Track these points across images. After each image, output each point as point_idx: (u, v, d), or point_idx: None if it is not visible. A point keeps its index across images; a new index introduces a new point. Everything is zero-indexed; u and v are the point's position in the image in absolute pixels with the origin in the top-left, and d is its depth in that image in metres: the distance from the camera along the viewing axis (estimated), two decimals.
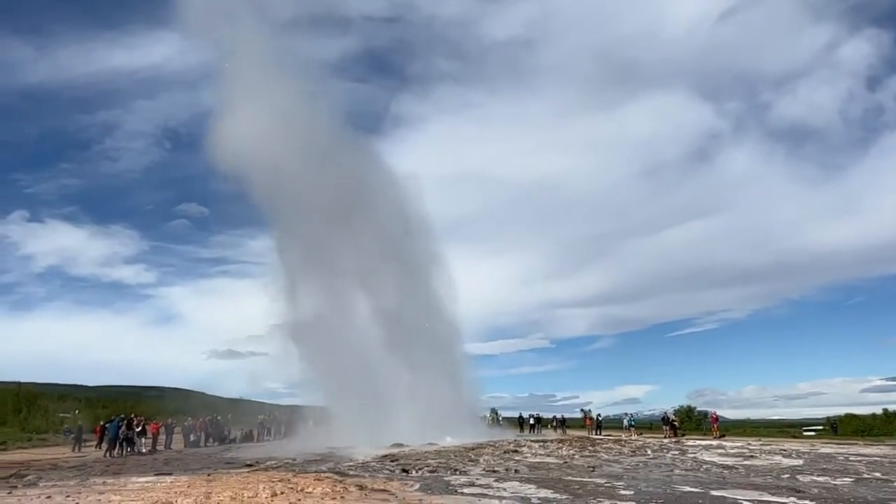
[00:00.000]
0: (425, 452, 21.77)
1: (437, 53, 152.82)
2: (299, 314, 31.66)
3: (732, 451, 23.18)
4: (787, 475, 15.80)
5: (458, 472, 16.17)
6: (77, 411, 41.49)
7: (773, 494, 12.03)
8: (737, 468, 17.74)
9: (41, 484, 13.96)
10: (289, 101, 32.69)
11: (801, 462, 19.18)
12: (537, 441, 27.89)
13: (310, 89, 34.55)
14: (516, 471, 16.87)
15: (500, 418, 44.80)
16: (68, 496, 11.31)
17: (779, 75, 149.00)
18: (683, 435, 34.09)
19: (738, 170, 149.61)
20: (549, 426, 42.51)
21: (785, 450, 23.28)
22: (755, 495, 11.89)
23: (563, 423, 42.32)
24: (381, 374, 30.90)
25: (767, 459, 20.08)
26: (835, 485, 13.91)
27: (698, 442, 28.37)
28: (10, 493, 12.15)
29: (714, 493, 12.31)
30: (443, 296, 33.93)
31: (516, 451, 23.00)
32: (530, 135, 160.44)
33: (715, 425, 34.73)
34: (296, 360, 31.44)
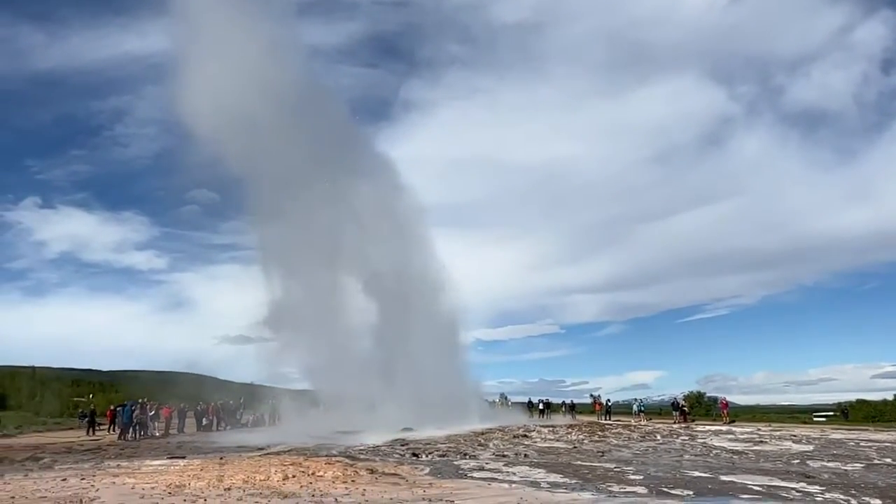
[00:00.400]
0: (435, 437, 21.90)
1: (446, 37, 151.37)
2: (278, 298, 31.34)
3: (742, 436, 23.17)
4: (798, 460, 15.79)
5: (467, 457, 16.27)
6: (91, 395, 41.97)
7: (783, 479, 12.02)
8: (747, 453, 17.75)
9: (56, 467, 14.14)
10: (259, 58, 31.92)
11: (811, 448, 19.16)
12: (547, 426, 27.97)
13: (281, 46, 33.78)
14: (526, 455, 16.96)
15: (510, 403, 45.05)
16: (83, 478, 11.46)
17: (792, 58, 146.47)
18: (693, 420, 34.07)
19: (750, 154, 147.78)
20: (559, 411, 42.57)
21: (795, 435, 23.25)
22: (765, 480, 11.90)
23: (572, 408, 42.39)
24: (375, 359, 31.02)
25: (777, 445, 20.07)
26: (845, 470, 13.89)
27: (708, 427, 28.37)
28: (26, 475, 12.31)
29: (724, 478, 12.34)
30: (437, 279, 33.78)
31: (526, 435, 23.10)
32: (540, 120, 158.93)
33: (725, 411, 34.67)
34: (293, 346, 31.35)
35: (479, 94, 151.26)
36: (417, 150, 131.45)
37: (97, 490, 9.99)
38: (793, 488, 11.03)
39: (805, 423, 34.38)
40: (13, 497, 9.35)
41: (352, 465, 12.89)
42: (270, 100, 31.41)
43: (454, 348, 34.40)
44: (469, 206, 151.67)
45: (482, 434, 23.01)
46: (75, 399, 41.91)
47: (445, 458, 15.88)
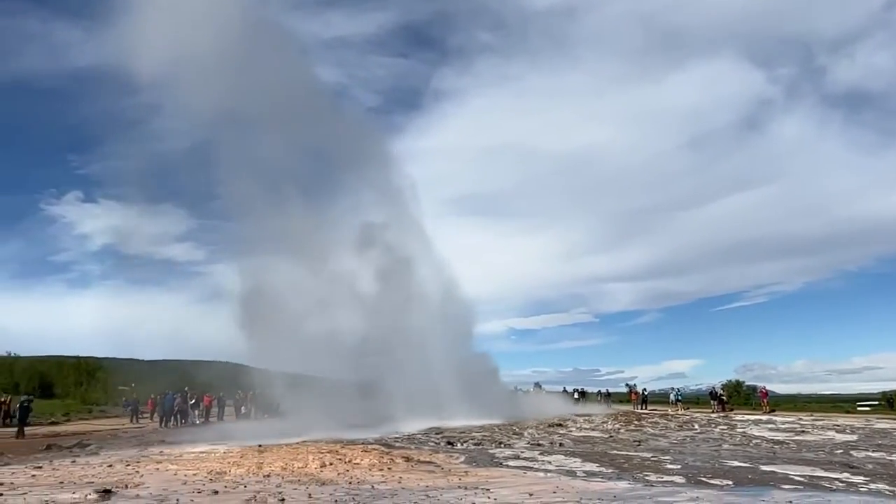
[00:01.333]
0: (469, 426, 22.00)
1: (477, 25, 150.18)
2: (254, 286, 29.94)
3: (783, 426, 22.74)
4: (841, 451, 15.44)
5: (502, 445, 16.30)
6: (133, 384, 43.03)
7: (825, 470, 11.78)
8: (788, 443, 17.42)
9: (102, 453, 14.58)
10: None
11: (855, 437, 18.72)
12: (582, 415, 27.84)
13: None
14: (561, 444, 16.92)
15: (544, 392, 45.09)
16: (128, 465, 11.79)
17: (834, 38, 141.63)
18: (732, 410, 33.57)
19: (791, 138, 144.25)
20: (594, 400, 42.37)
21: (838, 425, 22.74)
22: (807, 471, 11.66)
23: (608, 397, 42.19)
24: (376, 346, 30.45)
25: (820, 435, 19.66)
26: (891, 460, 13.52)
27: (747, 417, 27.91)
28: (73, 461, 12.72)
29: (764, 467, 12.14)
30: (434, 271, 33.16)
31: (561, 425, 23.03)
32: (572, 106, 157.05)
33: (765, 400, 34.08)
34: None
35: (509, 82, 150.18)
36: (449, 140, 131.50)
37: (142, 476, 10.27)
38: (836, 479, 10.80)
39: (848, 412, 33.58)
40: (62, 482, 9.66)
41: (388, 453, 13.02)
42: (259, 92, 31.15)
43: (463, 336, 33.94)
44: (501, 194, 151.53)
45: (516, 423, 23.03)
46: (120, 388, 43.02)
47: (480, 447, 15.94)
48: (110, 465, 11.72)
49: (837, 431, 20.52)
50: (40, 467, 11.63)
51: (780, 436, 19.41)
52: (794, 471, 11.63)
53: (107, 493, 8.45)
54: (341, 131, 34.69)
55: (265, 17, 35.08)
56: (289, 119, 31.97)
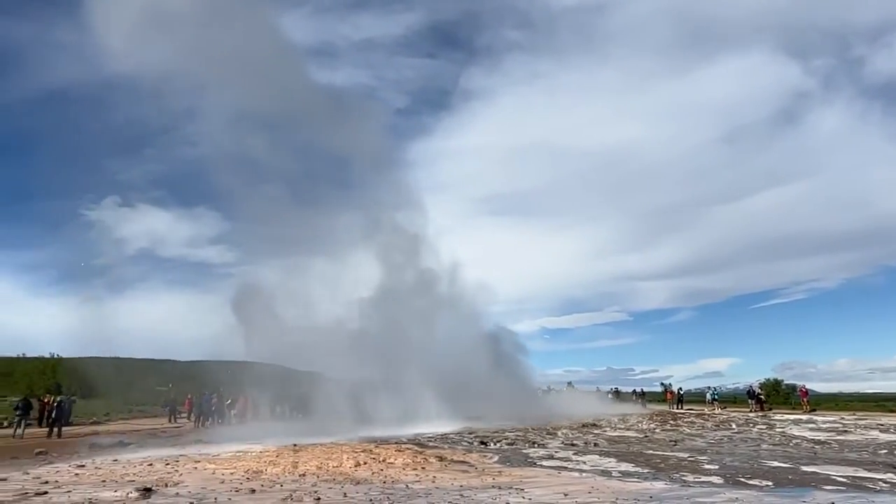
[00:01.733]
0: (503, 426, 21.95)
1: (504, 23, 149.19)
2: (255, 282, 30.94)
3: (824, 425, 22.24)
4: (885, 451, 15.03)
5: (536, 445, 16.22)
6: (171, 385, 43.84)
7: (868, 470, 11.48)
8: (829, 443, 17.02)
9: (142, 452, 14.87)
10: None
11: None
12: (617, 415, 27.57)
13: None
14: (596, 444, 16.77)
15: (578, 392, 44.89)
16: (168, 464, 12.01)
17: (873, 27, 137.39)
18: (770, 409, 32.94)
19: (828, 131, 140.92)
20: (628, 400, 41.99)
21: (882, 424, 22.15)
22: (850, 471, 11.38)
23: (642, 396, 41.74)
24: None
25: (863, 434, 19.17)
26: None
27: (787, 416, 27.35)
28: (115, 460, 13.00)
29: (805, 468, 11.87)
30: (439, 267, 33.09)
31: (595, 424, 22.85)
32: (602, 103, 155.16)
33: (805, 399, 33.35)
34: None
35: (538, 80, 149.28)
36: (479, 139, 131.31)
37: (181, 475, 10.46)
38: (880, 479, 10.51)
39: (893, 411, 32.67)
40: (104, 481, 9.89)
41: (421, 453, 13.06)
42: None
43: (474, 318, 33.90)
44: (532, 193, 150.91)
45: (550, 422, 22.91)
46: (157, 388, 43.91)
47: (514, 447, 15.89)
48: (150, 464, 11.96)
49: (881, 431, 19.99)
50: (83, 466, 11.93)
51: (821, 435, 18.98)
52: (836, 471, 11.36)
53: (147, 491, 8.62)
54: (351, 133, 35.34)
55: (284, 28, 36.00)
56: (296, 122, 32.74)
